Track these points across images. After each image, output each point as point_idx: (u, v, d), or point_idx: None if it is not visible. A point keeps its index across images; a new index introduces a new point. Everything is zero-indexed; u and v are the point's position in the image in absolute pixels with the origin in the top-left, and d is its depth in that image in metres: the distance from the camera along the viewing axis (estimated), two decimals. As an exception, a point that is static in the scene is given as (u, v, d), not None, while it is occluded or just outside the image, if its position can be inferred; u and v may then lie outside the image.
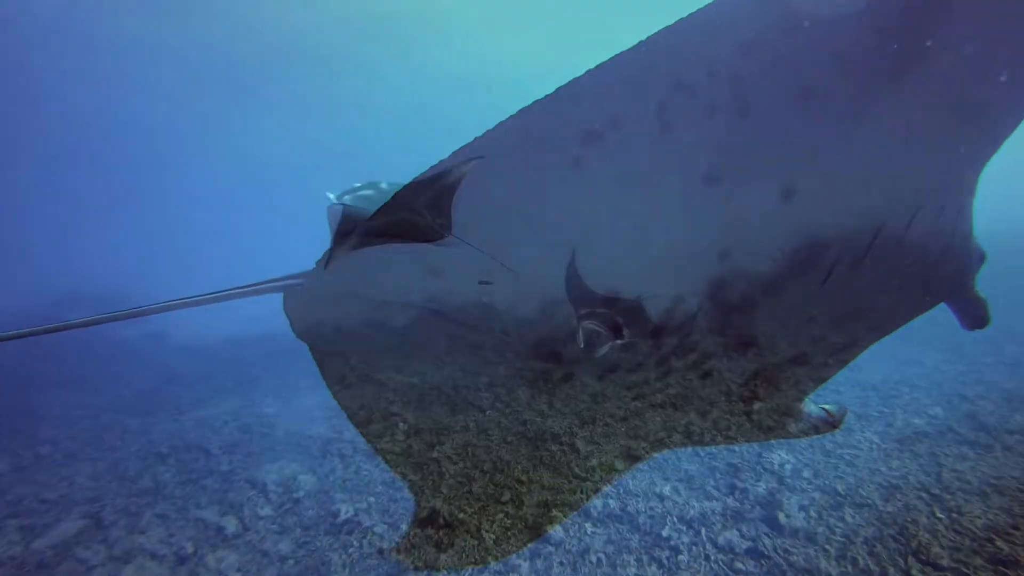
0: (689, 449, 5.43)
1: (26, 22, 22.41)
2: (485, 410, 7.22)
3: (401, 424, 6.76)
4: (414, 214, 5.21)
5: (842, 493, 4.22)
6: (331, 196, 4.85)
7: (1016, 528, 3.60)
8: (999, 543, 3.45)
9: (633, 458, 5.40)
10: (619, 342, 6.85)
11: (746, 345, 2.80)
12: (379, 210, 4.62)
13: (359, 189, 4.96)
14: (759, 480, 4.62)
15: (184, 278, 15.60)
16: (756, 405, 6.36)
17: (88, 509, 5.19)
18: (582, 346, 6.62)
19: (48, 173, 25.32)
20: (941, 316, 6.59)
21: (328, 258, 3.50)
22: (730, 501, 4.37)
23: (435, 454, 5.88)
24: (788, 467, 4.73)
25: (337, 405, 6.64)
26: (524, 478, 5.39)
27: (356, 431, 6.07)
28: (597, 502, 4.48)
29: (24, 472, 6.34)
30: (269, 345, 11.34)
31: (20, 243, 18.23)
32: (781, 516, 3.94)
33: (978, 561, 3.35)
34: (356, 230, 4.71)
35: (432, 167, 5.49)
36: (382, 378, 8.38)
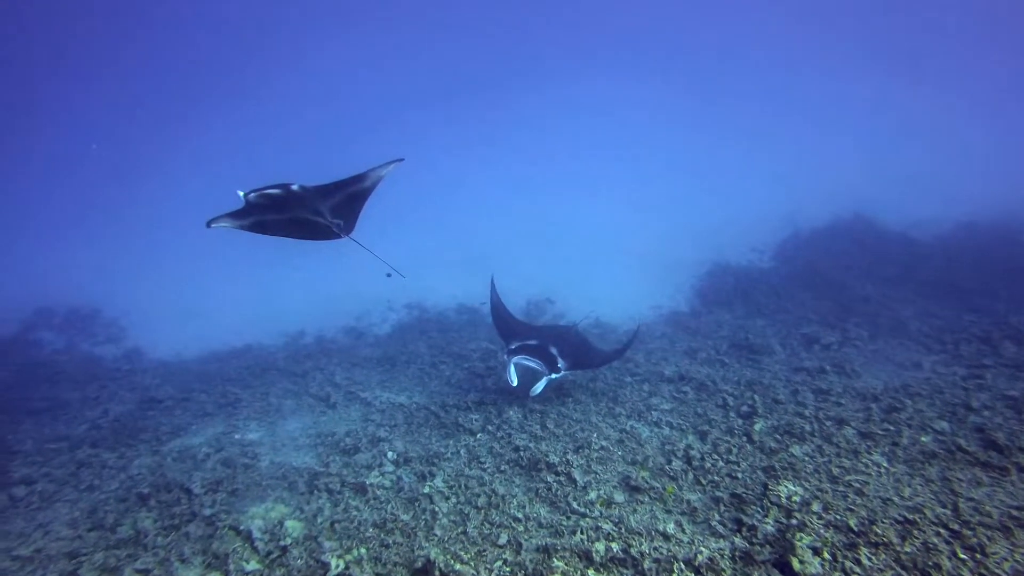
0: (691, 476, 5.25)
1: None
2: (476, 433, 6.97)
3: (390, 452, 6.51)
4: (310, 213, 5.28)
5: (856, 530, 4.05)
6: (240, 193, 4.93)
7: (1043, 572, 3.45)
8: (1027, 592, 3.30)
9: (633, 489, 5.20)
10: (555, 376, 6.57)
11: None
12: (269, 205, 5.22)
13: (265, 188, 5.17)
14: (767, 515, 4.44)
15: (159, 287, 15.13)
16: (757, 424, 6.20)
17: (64, 567, 4.92)
18: (514, 384, 6.28)
19: (11, 180, 24.74)
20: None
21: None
22: (738, 541, 4.19)
23: (426, 489, 5.66)
24: (796, 499, 4.56)
25: (323, 431, 6.40)
26: (521, 515, 5.19)
27: (344, 463, 5.81)
28: (599, 544, 4.28)
29: (-2, 518, 6.07)
30: (246, 359, 11.03)
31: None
32: (794, 561, 3.75)
33: (1007, 615, 3.19)
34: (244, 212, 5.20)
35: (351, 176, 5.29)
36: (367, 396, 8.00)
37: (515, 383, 6.45)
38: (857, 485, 4.70)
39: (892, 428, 5.60)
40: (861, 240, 13.30)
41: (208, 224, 5.15)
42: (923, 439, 5.34)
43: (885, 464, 5.02)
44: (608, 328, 10.85)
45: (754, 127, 22.52)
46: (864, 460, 5.11)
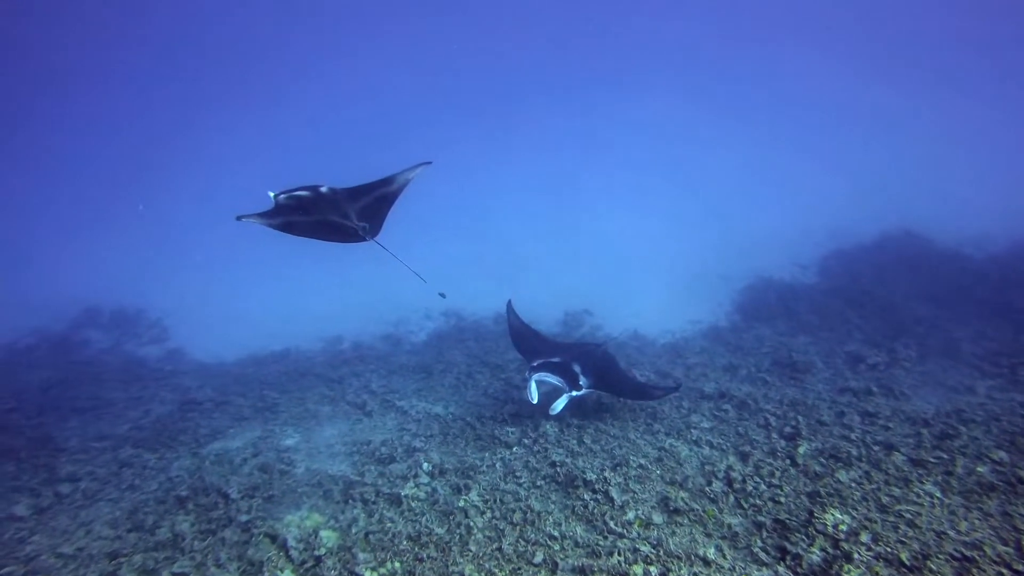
0: (732, 498, 5.10)
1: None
2: (512, 446, 6.90)
3: (425, 463, 6.48)
4: (337, 216, 5.37)
5: (908, 564, 3.88)
6: (271, 194, 5.08)
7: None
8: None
9: (672, 511, 5.08)
10: (576, 394, 6.45)
11: None
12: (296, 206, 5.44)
13: (295, 190, 5.39)
14: (812, 544, 4.28)
15: (201, 289, 15.45)
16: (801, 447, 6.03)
17: (105, 567, 5.00)
18: (534, 401, 6.20)
19: (62, 179, 25.61)
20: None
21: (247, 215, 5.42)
22: (782, 570, 4.06)
23: (462, 502, 5.61)
24: (844, 528, 4.39)
25: (358, 439, 6.41)
26: (557, 533, 5.11)
27: (379, 472, 5.79)
28: (637, 567, 4.17)
29: (44, 515, 6.23)
30: (284, 363, 11.15)
31: (36, 255, 18.27)
32: (843, 595, 3.60)
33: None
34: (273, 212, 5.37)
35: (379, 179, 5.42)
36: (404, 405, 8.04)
37: (535, 400, 6.35)
38: (908, 516, 4.51)
39: (945, 456, 5.37)
40: (910, 257, 12.87)
41: (238, 218, 5.37)
42: (979, 469, 5.10)
43: (938, 495, 4.81)
44: (646, 341, 10.70)
45: (798, 139, 22.08)
46: (915, 489, 4.90)
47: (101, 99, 30.82)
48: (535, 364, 6.64)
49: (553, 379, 6.42)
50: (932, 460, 5.32)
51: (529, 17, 34.44)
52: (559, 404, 6.34)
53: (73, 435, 8.27)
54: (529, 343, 7.58)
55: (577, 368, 6.57)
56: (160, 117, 29.49)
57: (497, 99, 28.84)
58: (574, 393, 6.41)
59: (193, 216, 20.57)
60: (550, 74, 30.88)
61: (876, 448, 5.70)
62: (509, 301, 8.11)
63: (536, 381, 6.42)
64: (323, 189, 5.59)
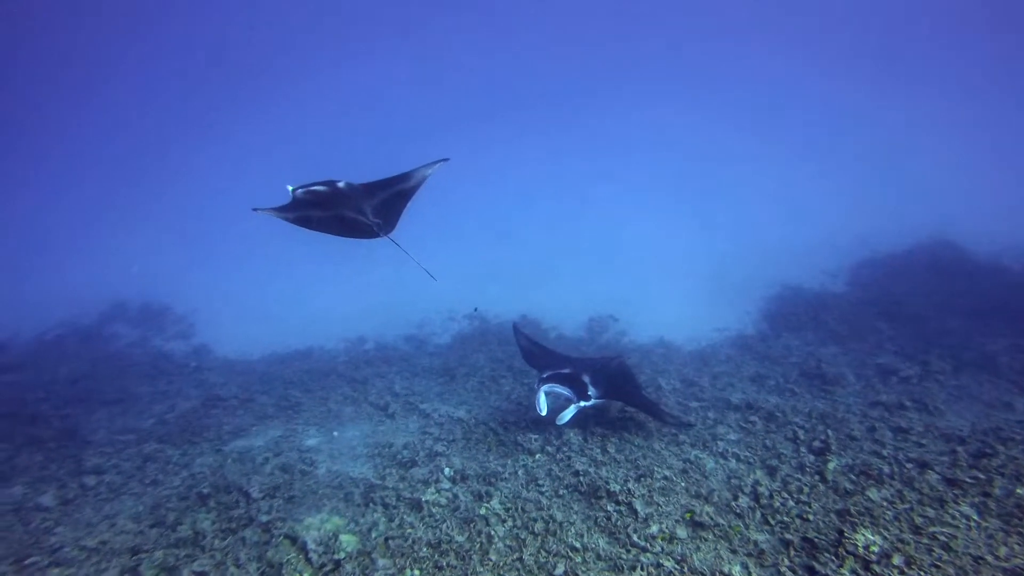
0: (758, 514, 4.98)
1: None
2: (535, 454, 6.82)
3: (447, 468, 6.43)
4: (353, 212, 5.35)
5: (943, 591, 3.74)
6: (289, 188, 5.10)
7: None
8: None
9: (696, 525, 4.97)
10: (585, 405, 6.35)
11: None
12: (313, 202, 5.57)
13: (313, 184, 5.46)
14: (842, 564, 4.15)
15: (227, 286, 15.61)
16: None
17: (126, 562, 5.02)
18: (542, 413, 6.11)
19: (91, 175, 26.13)
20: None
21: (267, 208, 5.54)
22: (811, 591, 3.93)
23: (483, 510, 5.54)
24: (875, 549, 4.25)
25: (380, 442, 6.36)
26: (579, 544, 5.02)
27: (400, 476, 5.74)
28: (661, 583, 4.09)
29: (69, 506, 6.31)
30: (308, 362, 11.21)
31: (65, 250, 18.65)
32: (875, 621, 3.48)
33: None
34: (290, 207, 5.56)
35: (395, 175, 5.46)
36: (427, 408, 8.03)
37: (544, 412, 6.27)
38: (943, 539, 4.35)
39: (982, 476, 5.17)
40: (944, 266, 12.55)
41: (254, 210, 5.47)
42: (1019, 491, 4.91)
43: (975, 517, 4.63)
44: (672, 348, 10.57)
45: (828, 144, 21.71)
46: (951, 510, 4.73)
47: (126, 97, 31.49)
48: (544, 375, 6.59)
49: (562, 390, 6.38)
50: (968, 480, 5.13)
51: (550, 19, 34.42)
52: (566, 414, 6.27)
53: (100, 427, 8.39)
54: (539, 359, 7.50)
55: (587, 378, 6.52)
56: (183, 115, 30.01)
57: (518, 104, 28.81)
58: (583, 403, 6.36)
59: (217, 214, 20.85)
60: (573, 79, 30.81)
61: (909, 466, 5.53)
62: (514, 324, 8.11)
63: (545, 392, 6.37)
64: (340, 184, 5.58)
